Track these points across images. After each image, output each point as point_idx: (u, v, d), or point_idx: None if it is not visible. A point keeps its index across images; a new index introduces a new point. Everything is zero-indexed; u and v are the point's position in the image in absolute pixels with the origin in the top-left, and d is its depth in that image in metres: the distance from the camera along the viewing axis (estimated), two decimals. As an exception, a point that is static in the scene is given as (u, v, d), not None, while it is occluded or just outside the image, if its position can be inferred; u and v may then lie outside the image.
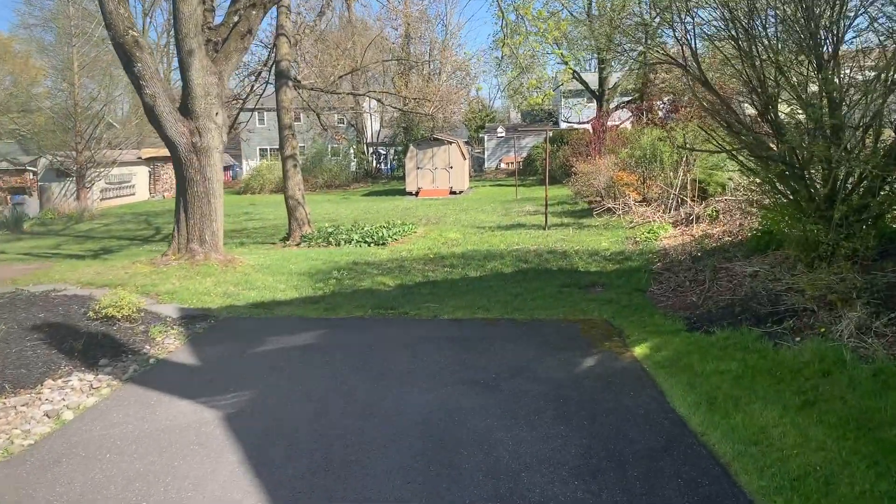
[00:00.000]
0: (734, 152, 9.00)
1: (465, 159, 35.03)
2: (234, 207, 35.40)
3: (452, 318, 8.78)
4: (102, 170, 36.56)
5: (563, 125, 31.01)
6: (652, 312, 8.73)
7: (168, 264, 11.82)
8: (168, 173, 45.60)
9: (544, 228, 18.01)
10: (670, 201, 17.12)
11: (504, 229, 18.74)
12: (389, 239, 17.29)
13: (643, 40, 13.21)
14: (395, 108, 26.56)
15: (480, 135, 56.33)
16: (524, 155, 45.91)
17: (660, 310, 8.96)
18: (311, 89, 19.92)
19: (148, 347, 7.65)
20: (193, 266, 11.71)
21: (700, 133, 16.72)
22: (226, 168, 53.97)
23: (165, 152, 43.11)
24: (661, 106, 16.95)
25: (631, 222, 17.22)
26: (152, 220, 30.23)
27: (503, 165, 51.67)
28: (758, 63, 7.83)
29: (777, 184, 8.62)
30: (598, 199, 24.13)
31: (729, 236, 12.30)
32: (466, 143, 50.76)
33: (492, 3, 49.60)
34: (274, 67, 18.63)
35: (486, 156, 53.51)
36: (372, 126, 53.14)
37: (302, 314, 9.20)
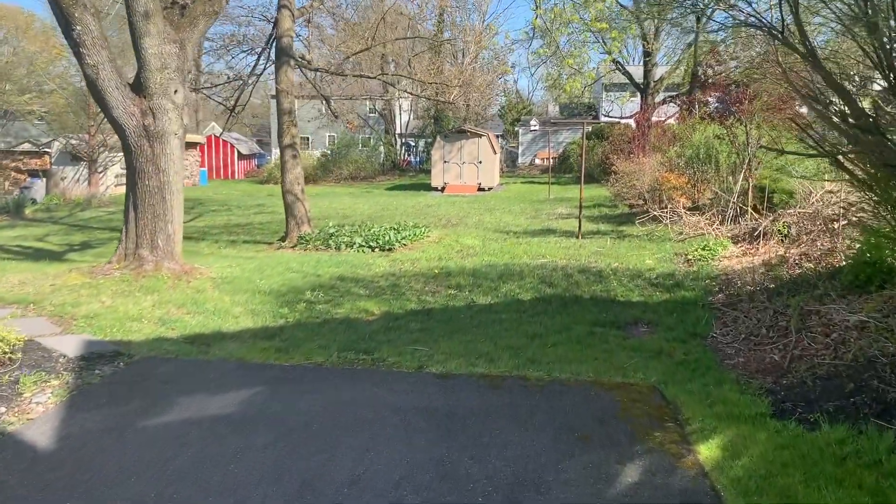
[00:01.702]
0: (839, 156, 6.44)
1: (495, 153, 32.54)
2: (249, 198, 33.51)
3: (441, 374, 6.41)
4: (116, 154, 34.89)
5: (604, 119, 28.43)
6: (719, 377, 6.24)
7: (108, 274, 9.65)
8: (188, 160, 43.96)
9: (577, 237, 15.51)
10: (728, 211, 14.48)
11: (531, 236, 16.28)
12: (397, 244, 14.97)
13: None
14: (410, 93, 24.15)
15: (516, 128, 53.67)
16: (560, 151, 43.22)
17: (728, 371, 6.48)
18: (315, 70, 17.64)
19: (2, 410, 5.43)
20: (138, 278, 9.52)
21: (771, 131, 14.09)
22: (251, 157, 52.21)
23: (187, 137, 41.53)
24: (717, 99, 14.30)
25: (680, 233, 14.63)
26: (161, 209, 28.34)
27: (538, 161, 48.99)
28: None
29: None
30: (641, 202, 21.51)
31: (809, 261, 9.69)
32: (500, 136, 48.23)
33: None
34: (275, 44, 16.39)
35: (519, 150, 50.87)
36: (401, 116, 50.86)
37: (244, 356, 6.91)
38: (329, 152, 45.61)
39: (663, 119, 32.74)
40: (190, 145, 43.38)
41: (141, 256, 9.88)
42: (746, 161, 14.08)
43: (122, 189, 37.53)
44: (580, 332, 7.71)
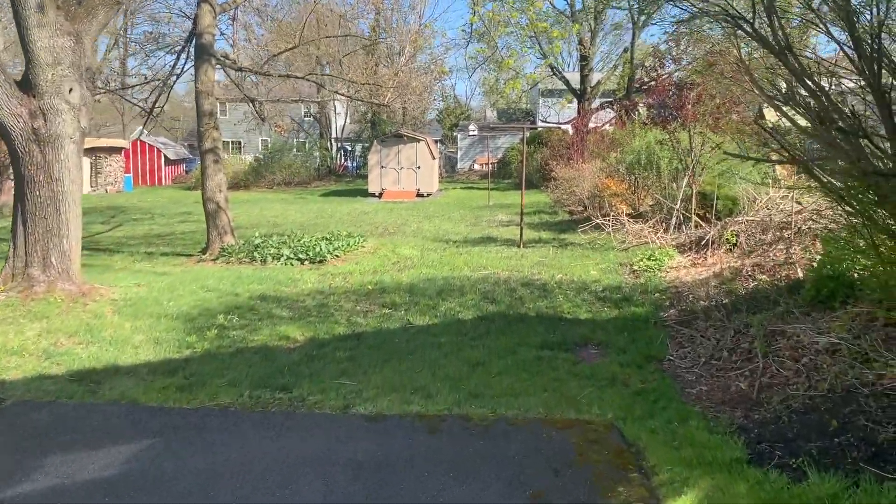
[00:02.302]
0: (810, 163, 5.85)
1: (434, 159, 31.80)
2: (175, 205, 31.81)
3: (371, 415, 5.54)
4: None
5: (543, 125, 28.10)
6: (683, 411, 5.56)
7: (-9, 298, 8.43)
8: (112, 165, 41.84)
9: (519, 246, 14.85)
10: (672, 218, 14.03)
11: (471, 245, 15.55)
12: (329, 256, 14.00)
13: None
14: (342, 94, 23.17)
15: (454, 133, 53.15)
16: (499, 156, 42.84)
17: (692, 402, 5.82)
18: (239, 69, 16.52)
19: None
20: (26, 301, 8.34)
21: (715, 137, 13.70)
22: (179, 161, 50.10)
23: (109, 142, 39.12)
24: (659, 103, 13.86)
25: (623, 242, 14.12)
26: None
27: (477, 166, 48.54)
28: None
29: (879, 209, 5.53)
30: (581, 209, 21.11)
31: (763, 273, 9.20)
32: (439, 141, 47.57)
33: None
34: (195, 42, 15.21)
35: (458, 155, 50.36)
36: (336, 121, 49.67)
37: (139, 398, 5.89)
38: (262, 157, 44.07)
39: (600, 125, 32.66)
40: (114, 150, 41.30)
41: (31, 276, 8.67)
42: (691, 167, 13.66)
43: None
44: (527, 357, 6.95)
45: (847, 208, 5.71)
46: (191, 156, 53.61)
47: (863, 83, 5.07)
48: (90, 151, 38.97)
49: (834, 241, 7.43)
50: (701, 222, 12.99)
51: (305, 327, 8.07)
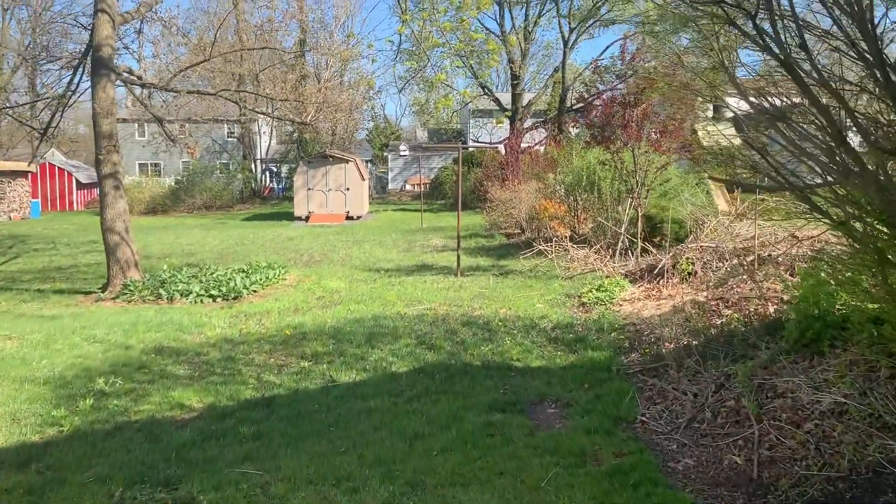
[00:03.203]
0: (807, 191, 4.90)
1: (364, 180, 30.52)
2: (83, 233, 29.42)
3: (278, 525, 4.24)
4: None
5: (476, 145, 27.29)
6: (672, 499, 4.47)
7: None
8: (17, 190, 38.87)
9: (457, 274, 13.72)
10: (618, 244, 13.16)
11: (405, 274, 14.35)
12: (245, 291, 12.57)
13: None
14: (260, 113, 21.71)
15: (385, 154, 51.95)
16: (431, 176, 41.87)
17: (680, 483, 4.74)
18: (142, 86, 14.93)
19: None
20: None
21: (659, 156, 12.95)
22: (92, 185, 47.14)
23: (12, 166, 36.14)
24: (600, 121, 13.03)
25: (567, 269, 13.15)
26: (-28, 249, 24.11)
27: (409, 187, 47.43)
28: None
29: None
30: (519, 231, 20.21)
31: (729, 307, 8.30)
32: (369, 161, 46.31)
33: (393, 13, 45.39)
34: (91, 55, 13.59)
35: (389, 176, 49.14)
36: (262, 141, 47.77)
37: (-33, 510, 4.43)
38: (182, 179, 41.82)
39: (533, 144, 32.09)
40: (19, 174, 38.40)
41: None
42: (637, 188, 12.84)
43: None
44: (475, 426, 5.75)
45: (853, 242, 4.78)
46: (105, 179, 50.73)
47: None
48: (-10, 175, 36.13)
49: (813, 276, 6.55)
50: (650, 248, 12.14)
51: (205, 391, 6.66)
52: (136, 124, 46.59)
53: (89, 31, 14.33)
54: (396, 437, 5.54)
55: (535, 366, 7.49)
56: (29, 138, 45.71)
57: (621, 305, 10.05)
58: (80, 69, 14.91)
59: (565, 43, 31.39)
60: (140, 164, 50.36)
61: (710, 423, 5.59)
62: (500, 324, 9.31)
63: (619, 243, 13.14)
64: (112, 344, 8.39)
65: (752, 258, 9.38)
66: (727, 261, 10.19)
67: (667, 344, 7.67)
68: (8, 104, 15.98)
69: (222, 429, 5.74)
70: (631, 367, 7.26)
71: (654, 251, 11.90)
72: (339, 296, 12.11)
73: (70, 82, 15.13)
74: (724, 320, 7.97)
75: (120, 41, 16.60)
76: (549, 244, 13.89)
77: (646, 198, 13.18)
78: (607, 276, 11.95)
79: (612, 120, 12.54)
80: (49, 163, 42.69)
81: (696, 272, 10.30)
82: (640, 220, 12.96)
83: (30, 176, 39.90)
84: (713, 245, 10.63)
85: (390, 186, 48.38)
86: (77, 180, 43.93)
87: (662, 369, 6.97)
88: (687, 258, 10.53)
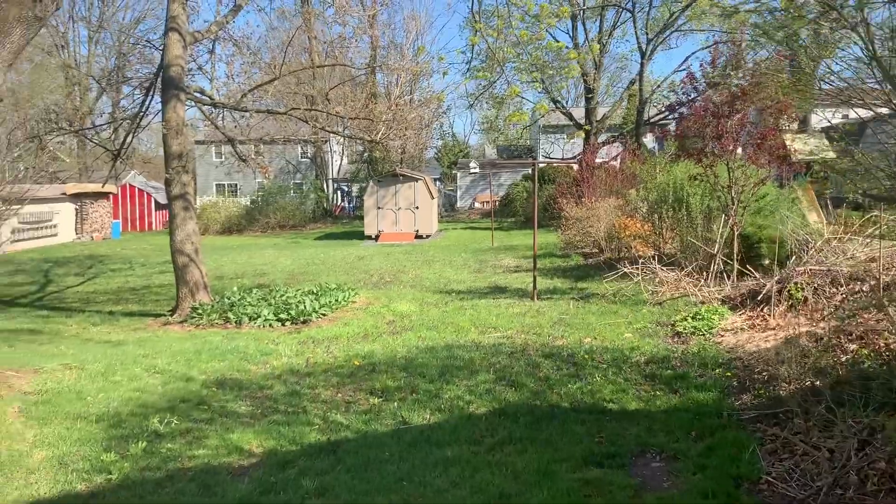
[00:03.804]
0: None
1: (433, 198, 30.04)
2: (159, 253, 29.85)
3: None
4: (7, 208, 30.85)
5: (549, 161, 26.47)
6: None
7: None
8: (98, 211, 40.08)
9: (533, 298, 12.90)
10: (712, 266, 12.09)
11: (477, 296, 13.62)
12: (314, 315, 12.09)
13: None
14: (330, 131, 21.42)
15: (453, 171, 51.56)
16: (502, 193, 41.11)
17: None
18: (212, 105, 14.76)
19: None
20: None
21: (754, 170, 11.89)
22: (166, 206, 48.43)
23: (95, 187, 37.25)
24: (688, 132, 12.02)
25: (654, 293, 12.15)
26: (55, 270, 24.72)
27: (478, 205, 46.80)
28: None
29: None
30: (597, 251, 19.23)
31: (852, 341, 7.22)
32: (437, 180, 45.93)
33: (464, 28, 45.13)
34: (161, 75, 13.47)
35: (458, 194, 48.64)
36: (334, 161, 48.08)
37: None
38: (257, 199, 42.38)
39: (608, 160, 31.00)
40: (101, 195, 39.58)
41: (-87, 367, 6.74)
42: (733, 205, 11.77)
43: (21, 245, 33.42)
44: (570, 484, 4.94)
45: None
46: (183, 199, 51.99)
47: None
48: (75, 197, 37.30)
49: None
50: (752, 271, 11.03)
51: (266, 432, 6.06)
52: (213, 146, 47.64)
53: (161, 52, 14.27)
54: (479, 496, 4.78)
55: (632, 408, 6.61)
56: (106, 160, 47.21)
57: (722, 336, 9.04)
58: (152, 90, 14.85)
59: (642, 54, 30.26)
60: (217, 185, 51.37)
61: (858, 489, 4.62)
62: (586, 356, 8.44)
63: (713, 265, 12.07)
64: (173, 375, 7.93)
65: (875, 283, 8.26)
66: (843, 286, 9.07)
67: (785, 385, 6.67)
68: (87, 127, 16.04)
69: (283, 480, 5.11)
70: (744, 412, 6.31)
71: (755, 274, 10.79)
72: (410, 320, 11.47)
73: (143, 103, 15.08)
74: (849, 357, 6.92)
75: (194, 61, 16.59)
76: (634, 266, 12.90)
77: (742, 215, 12.09)
78: (702, 302, 10.93)
79: (705, 131, 11.53)
80: (129, 184, 44.01)
81: (806, 299, 9.20)
82: (735, 239, 11.87)
83: (111, 197, 41.14)
84: (825, 268, 9.49)
85: (459, 204, 47.88)
86: (156, 201, 45.07)
87: (784, 416, 6.00)
88: (796, 283, 9.43)
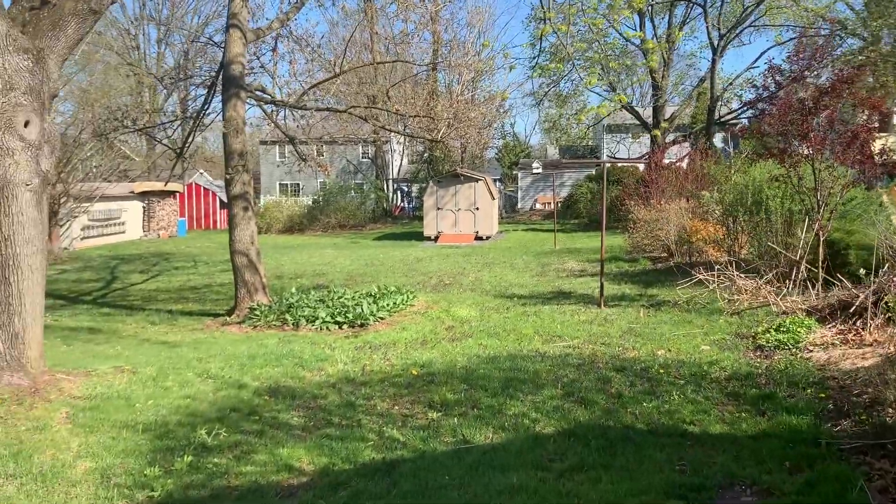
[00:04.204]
0: None
1: (493, 199, 29.52)
2: (223, 251, 30.18)
3: None
4: (78, 205, 31.76)
5: (613, 160, 25.62)
6: None
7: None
8: (165, 209, 40.99)
9: (600, 305, 12.29)
10: (795, 274, 11.25)
11: (541, 302, 13.08)
12: (371, 318, 11.76)
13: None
14: (390, 130, 21.10)
15: (514, 172, 50.89)
16: (564, 194, 40.25)
17: None
18: (272, 103, 14.61)
19: None
20: (-46, 403, 6.25)
21: (842, 171, 11.01)
22: (234, 204, 49.14)
23: (162, 186, 38.00)
24: (772, 130, 11.17)
25: (731, 302, 11.38)
26: (121, 267, 25.23)
27: (539, 206, 46.04)
28: None
29: None
30: (666, 255, 18.41)
31: (970, 363, 6.44)
32: (498, 180, 45.35)
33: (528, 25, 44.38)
34: (222, 73, 13.38)
35: (519, 195, 47.96)
36: (393, 161, 48.02)
37: None
38: (318, 199, 42.68)
39: (677, 160, 29.97)
40: (167, 194, 40.45)
41: (-33, 368, 6.63)
42: (820, 209, 10.92)
43: (90, 242, 34.36)
44: (651, 522, 4.40)
45: None
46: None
47: None
48: (143, 195, 38.22)
49: None
50: (841, 279, 10.18)
51: (318, 448, 5.68)
52: (277, 146, 48.21)
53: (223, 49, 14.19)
54: (549, 533, 4.29)
55: (716, 432, 5.99)
56: (171, 158, 48.35)
57: (811, 351, 8.27)
58: (214, 88, 14.80)
59: (714, 50, 29.10)
60: (281, 185, 51.90)
61: None
62: (661, 371, 7.83)
63: (796, 273, 11.23)
64: (225, 382, 7.67)
65: None
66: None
67: (891, 411, 5.94)
68: (150, 126, 16.13)
69: (335, 503, 4.71)
70: (844, 441, 5.62)
71: (846, 283, 9.93)
72: (470, 326, 11.02)
73: (205, 101, 15.06)
74: (967, 381, 6.14)
75: (257, 59, 16.53)
76: (710, 272, 12.13)
77: (828, 219, 11.22)
78: (784, 313, 10.14)
79: (789, 129, 10.70)
80: (195, 183, 44.93)
81: (906, 313, 8.35)
82: (821, 245, 11.02)
83: (177, 195, 42.02)
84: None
85: (519, 205, 47.22)
86: (220, 199, 45.83)
87: (894, 448, 5.30)
88: (895, 294, 8.59)
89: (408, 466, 5.28)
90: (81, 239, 33.48)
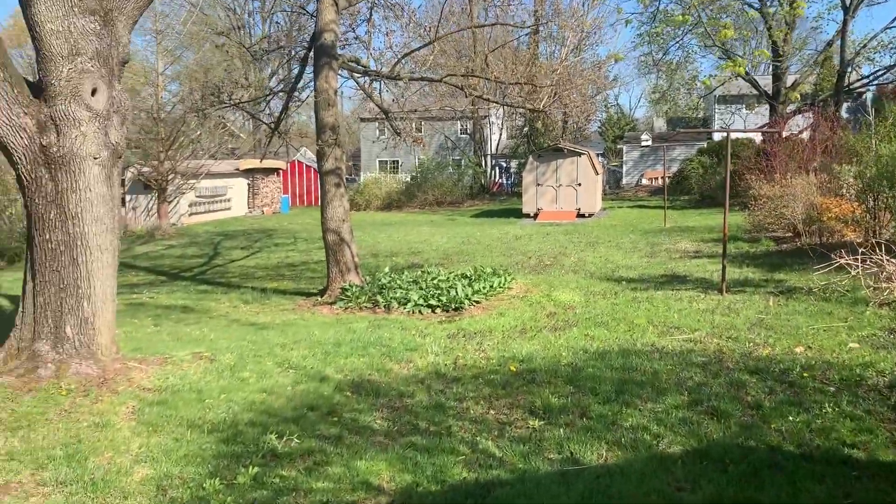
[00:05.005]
0: None
1: (597, 174, 28.06)
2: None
3: None
4: (185, 182, 32.61)
5: (736, 131, 23.69)
6: None
7: (-19, 384, 6.06)
8: (269, 186, 41.73)
9: (721, 291, 11.00)
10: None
11: (653, 286, 11.91)
12: (467, 302, 10.97)
13: None
14: (488, 100, 20.04)
15: (618, 146, 48.73)
16: (673, 169, 38.05)
17: None
18: (364, 73, 13.91)
19: None
20: (23, 391, 5.87)
21: None
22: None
23: (267, 163, 38.71)
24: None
25: (878, 290, 9.85)
26: (224, 243, 25.63)
27: (645, 181, 43.88)
28: None
29: None
30: (791, 235, 16.68)
31: None
32: (601, 155, 43.47)
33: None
34: (314, 43, 12.81)
35: (624, 170, 45.90)
36: (492, 137, 46.94)
37: None
38: (416, 175, 42.30)
39: (800, 131, 27.51)
40: (271, 171, 41.12)
41: (37, 353, 6.26)
42: None
43: (197, 219, 35.32)
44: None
45: None
46: (350, 175, 53.11)
47: None
48: (247, 172, 38.97)
49: None
50: None
51: (401, 461, 4.91)
52: (376, 122, 48.12)
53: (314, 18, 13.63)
54: None
55: (887, 459, 4.82)
56: (264, 135, 49.14)
57: None
58: (306, 60, 14.29)
59: (845, 9, 26.33)
60: (380, 162, 51.92)
61: None
62: (804, 374, 6.62)
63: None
64: (306, 373, 7.04)
65: None
66: None
67: None
68: (244, 101, 15.86)
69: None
70: None
71: None
72: (574, 313, 10.03)
73: (299, 74, 14.60)
74: None
75: (352, 31, 15.96)
76: (854, 255, 10.58)
77: None
78: (951, 306, 8.60)
79: None
80: (298, 160, 45.52)
81: None
82: None
83: (280, 173, 42.68)
84: None
85: (624, 181, 45.17)
86: (321, 176, 46.33)
87: None
88: None
89: (505, 492, 4.42)
90: (189, 215, 34.43)
